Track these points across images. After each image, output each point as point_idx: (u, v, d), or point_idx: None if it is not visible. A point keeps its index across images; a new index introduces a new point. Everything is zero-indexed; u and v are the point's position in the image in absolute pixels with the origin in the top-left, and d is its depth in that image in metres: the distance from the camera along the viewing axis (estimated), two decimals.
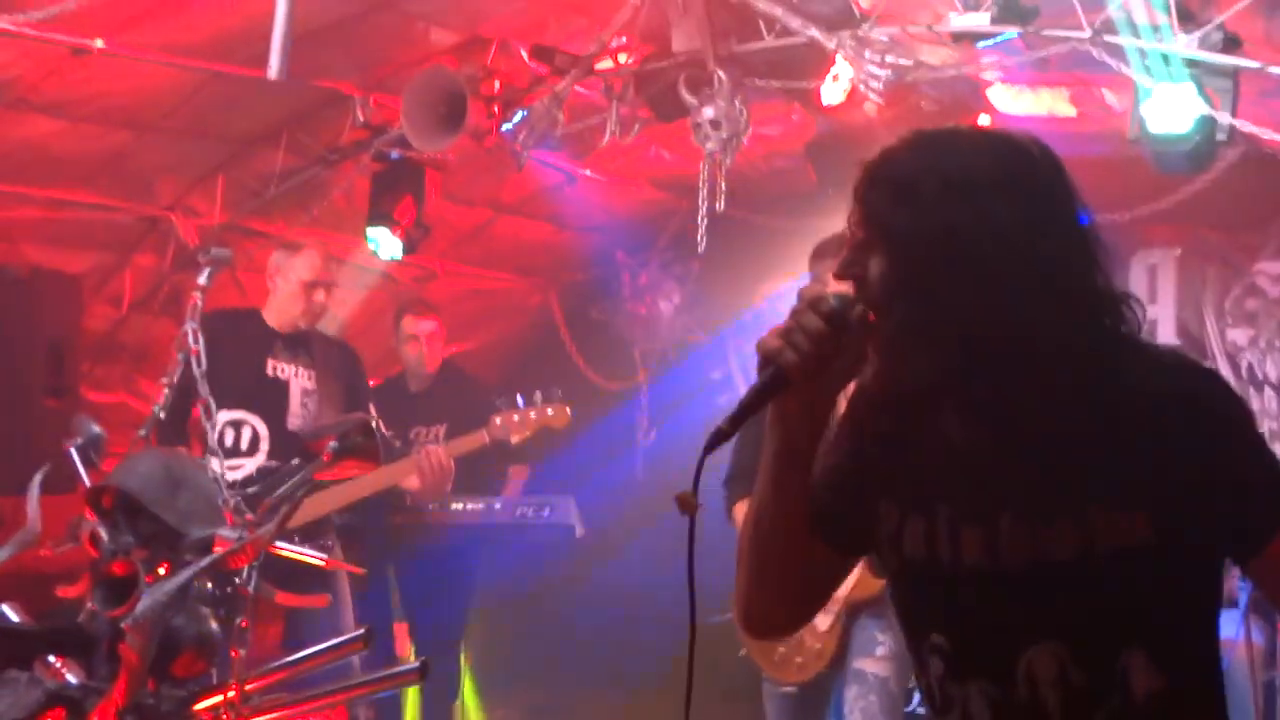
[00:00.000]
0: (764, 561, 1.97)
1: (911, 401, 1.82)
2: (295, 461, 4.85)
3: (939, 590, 1.84)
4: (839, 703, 4.36)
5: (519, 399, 5.39)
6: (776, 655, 4.52)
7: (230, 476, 4.86)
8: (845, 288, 1.84)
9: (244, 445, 5.03)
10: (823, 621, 4.37)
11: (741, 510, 4.57)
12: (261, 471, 4.92)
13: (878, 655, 4.28)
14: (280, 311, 5.21)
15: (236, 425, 5.05)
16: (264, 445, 5.03)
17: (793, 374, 1.77)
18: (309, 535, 4.86)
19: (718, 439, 1.79)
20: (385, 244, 6.31)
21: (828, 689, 4.41)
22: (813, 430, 1.87)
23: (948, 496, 1.83)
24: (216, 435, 4.97)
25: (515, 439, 5.39)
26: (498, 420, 5.35)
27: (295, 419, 5.13)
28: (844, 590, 4.29)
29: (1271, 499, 1.75)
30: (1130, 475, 1.74)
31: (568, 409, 5.43)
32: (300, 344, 5.23)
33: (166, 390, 5.02)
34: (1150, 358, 1.80)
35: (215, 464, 4.88)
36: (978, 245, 1.73)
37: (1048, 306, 1.73)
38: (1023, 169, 1.80)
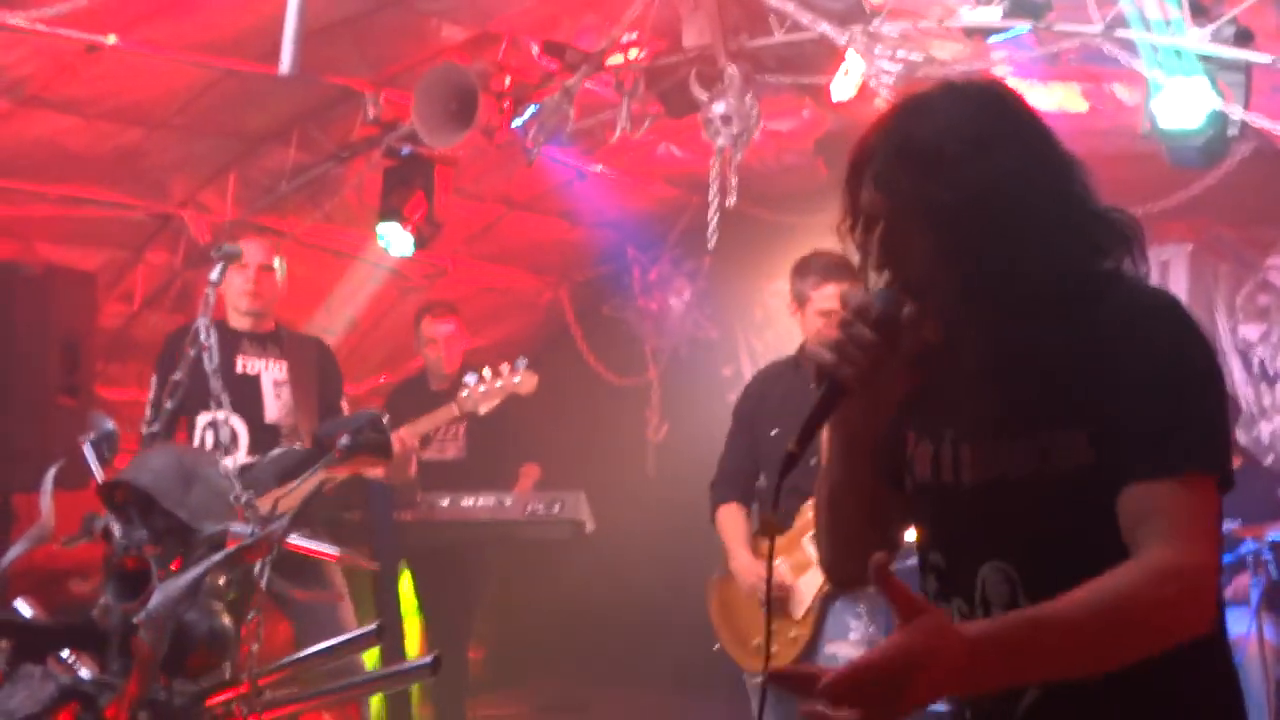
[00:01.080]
0: (848, 535, 2.00)
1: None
2: (274, 453, 4.92)
3: (936, 510, 1.91)
4: None
5: (485, 370, 5.41)
6: (750, 646, 4.68)
7: None
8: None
9: (224, 444, 5.07)
10: (797, 609, 4.55)
11: (725, 514, 4.80)
12: (243, 468, 4.94)
13: (850, 639, 4.44)
14: (234, 310, 5.21)
15: (214, 426, 5.08)
16: (242, 442, 5.06)
17: (850, 386, 1.79)
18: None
19: (791, 463, 1.79)
20: (396, 240, 6.32)
21: None
22: (876, 419, 1.90)
23: (952, 420, 1.88)
24: (199, 439, 5.05)
25: (484, 408, 5.40)
26: (464, 393, 5.38)
27: (271, 412, 5.16)
28: (817, 581, 4.50)
29: (1162, 442, 1.71)
30: (1078, 397, 1.77)
31: (535, 376, 5.43)
32: (268, 339, 5.24)
33: (154, 387, 5.11)
34: (1129, 291, 1.81)
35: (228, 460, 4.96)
36: (1010, 197, 1.77)
37: (1066, 242, 1.79)
38: (1013, 112, 1.85)
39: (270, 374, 5.19)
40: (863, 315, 1.79)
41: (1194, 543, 1.69)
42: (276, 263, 5.23)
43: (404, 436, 5.24)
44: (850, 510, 1.97)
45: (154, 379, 5.18)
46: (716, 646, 4.84)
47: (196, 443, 5.10)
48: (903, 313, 1.79)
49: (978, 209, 1.76)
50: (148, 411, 5.14)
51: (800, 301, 4.67)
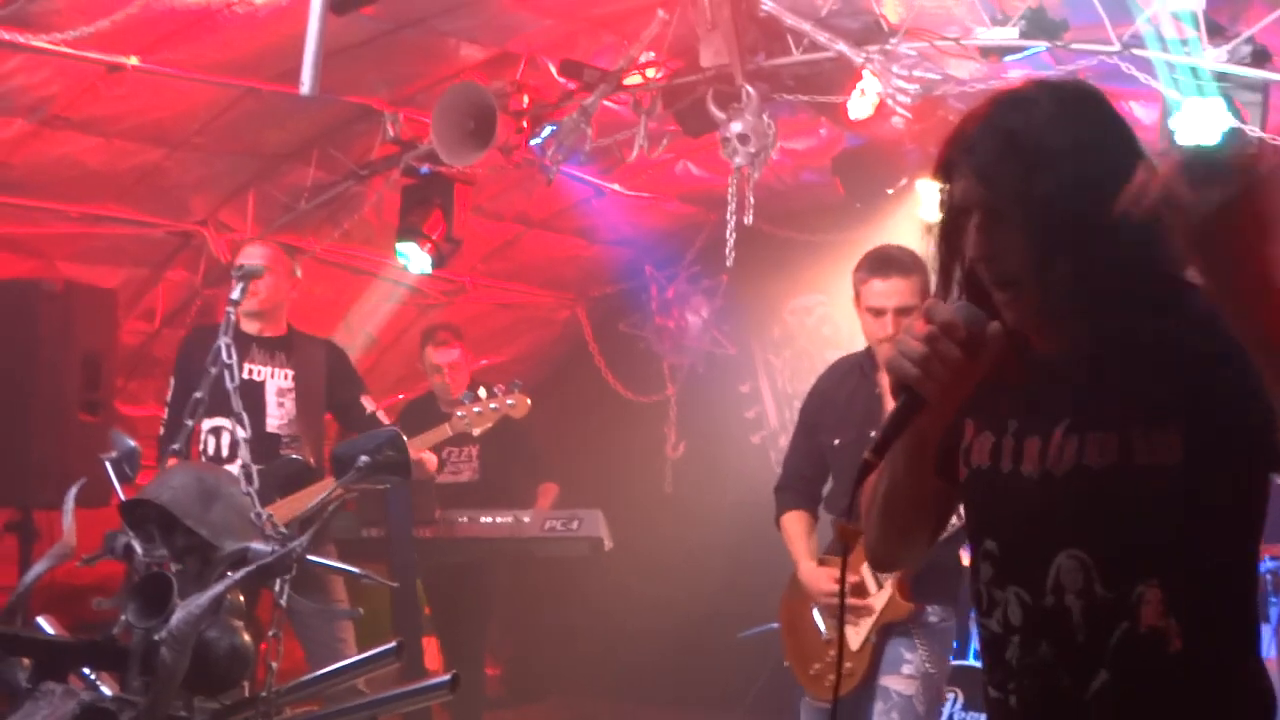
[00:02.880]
0: (900, 526, 2.08)
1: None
2: (274, 464, 4.93)
3: (994, 498, 1.95)
4: None
5: (480, 391, 5.45)
6: (812, 670, 4.50)
7: None
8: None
9: (225, 451, 5.07)
10: (854, 641, 4.36)
11: (789, 521, 4.57)
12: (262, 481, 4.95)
13: (903, 673, 4.26)
14: (243, 313, 5.24)
15: (216, 432, 5.09)
16: (242, 450, 5.06)
17: (932, 399, 1.82)
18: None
19: (866, 470, 1.85)
20: (415, 258, 6.35)
21: (862, 710, 4.34)
22: (943, 422, 1.95)
23: (1016, 413, 1.92)
24: (203, 446, 5.07)
25: (477, 430, 5.46)
26: (459, 414, 5.41)
27: (273, 419, 5.16)
28: (876, 610, 4.32)
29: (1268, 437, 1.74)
30: (1168, 396, 1.80)
31: (527, 399, 5.48)
32: (278, 345, 5.23)
33: (170, 401, 5.13)
34: (1199, 293, 1.83)
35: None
36: (1109, 195, 1.78)
37: (1155, 244, 1.78)
38: (1109, 112, 1.90)
39: (275, 382, 5.19)
40: (950, 332, 1.82)
41: None
42: (261, 261, 5.20)
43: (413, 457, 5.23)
44: (904, 504, 2.03)
45: (171, 382, 5.20)
46: (786, 663, 4.62)
47: (200, 447, 5.11)
48: (987, 330, 1.83)
49: (1078, 205, 1.80)
50: (166, 417, 5.17)
51: (857, 296, 4.43)
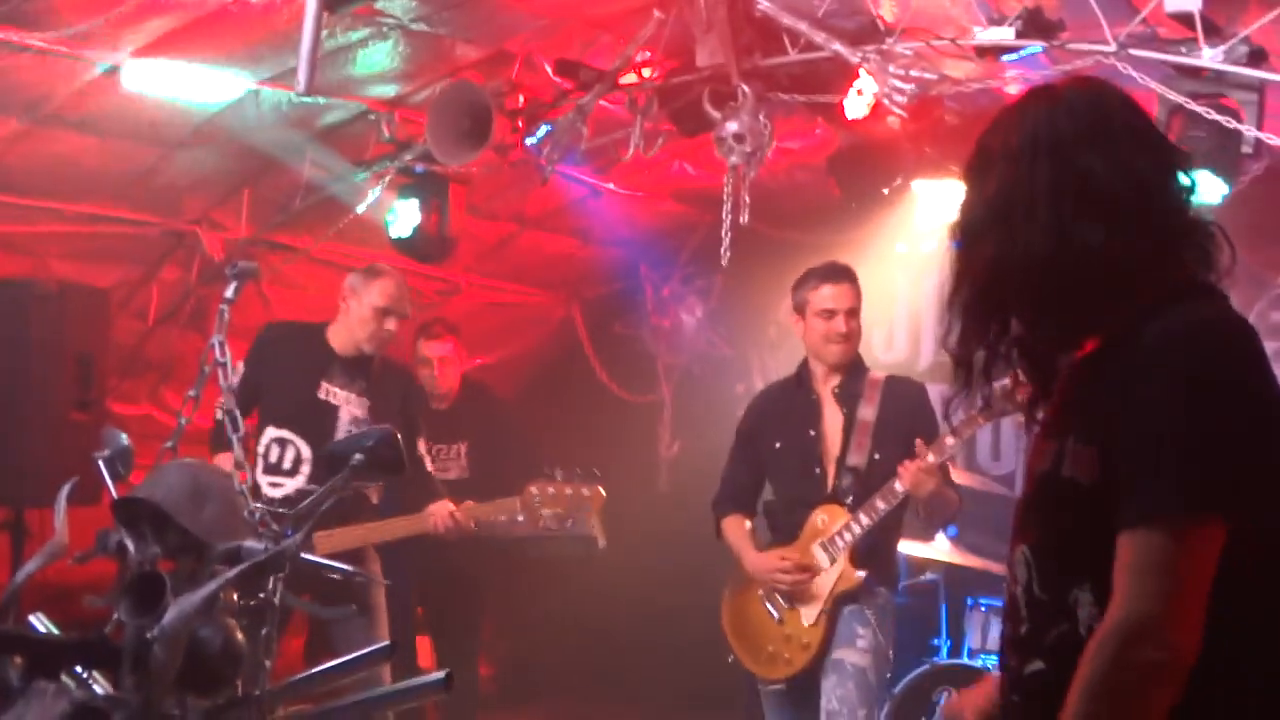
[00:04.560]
0: None
1: None
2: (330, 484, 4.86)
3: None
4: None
5: (558, 473, 5.23)
6: (764, 655, 4.76)
7: (271, 494, 4.90)
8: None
9: (287, 464, 4.99)
10: (809, 615, 4.64)
11: (729, 525, 4.92)
12: (300, 493, 4.83)
13: (858, 646, 4.55)
14: (346, 334, 5.14)
15: (282, 444, 5.02)
16: (305, 468, 4.99)
17: None
18: (350, 557, 4.86)
19: None
20: (403, 216, 6.22)
21: (817, 680, 4.62)
22: None
23: (1048, 418, 2.04)
24: (264, 451, 5.02)
25: (548, 513, 5.21)
26: (533, 490, 5.19)
27: None
28: (828, 584, 4.62)
29: (1129, 489, 1.80)
30: (1096, 413, 1.88)
31: (602, 491, 5.22)
32: (359, 369, 5.14)
33: (225, 394, 5.05)
34: (1180, 315, 1.88)
35: (262, 478, 4.94)
36: (1140, 195, 1.91)
37: (1173, 250, 1.93)
38: (1142, 115, 2.00)
39: (350, 408, 5.10)
40: None
41: (1132, 595, 1.77)
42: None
43: (460, 518, 5.11)
44: None
45: (242, 366, 4.95)
46: (731, 658, 4.90)
47: (260, 453, 5.04)
48: None
49: (1108, 204, 1.88)
50: (223, 401, 5.06)
51: (800, 311, 4.85)
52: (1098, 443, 1.84)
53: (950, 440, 4.54)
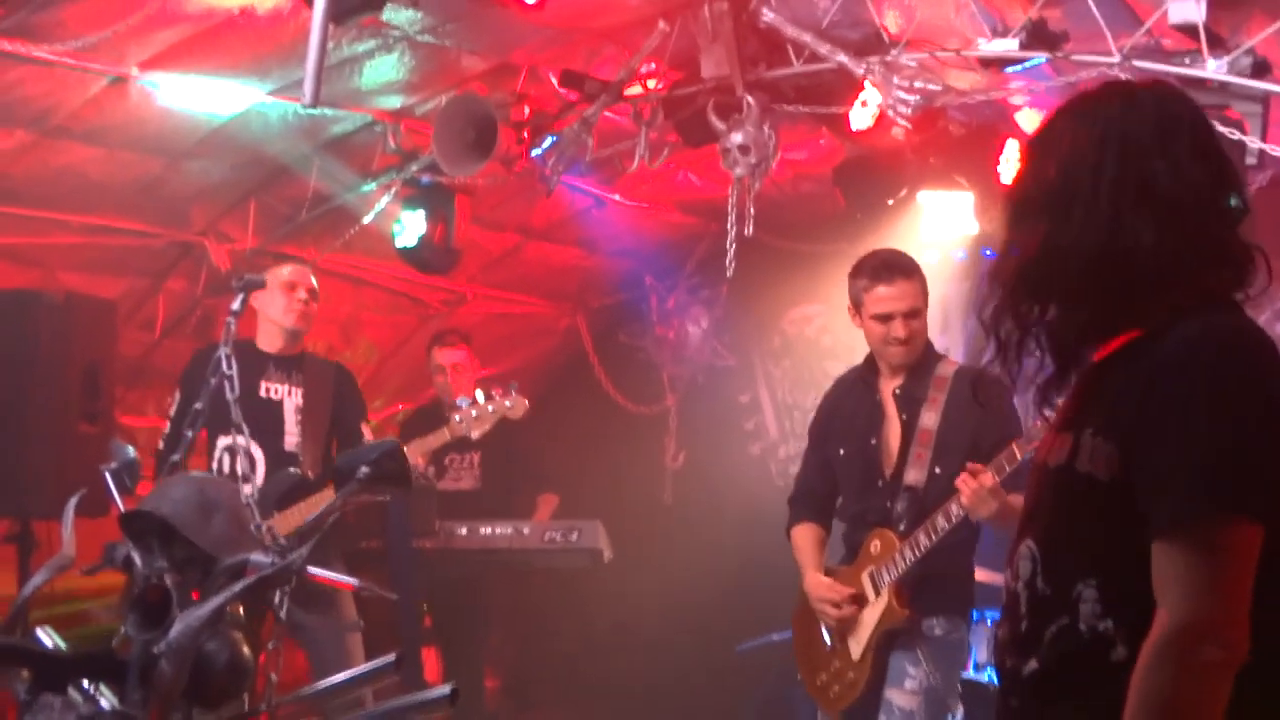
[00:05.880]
0: None
1: None
2: (272, 478, 4.90)
3: (1030, 488, 2.10)
4: None
5: (478, 394, 5.51)
6: (819, 681, 4.50)
7: None
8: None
9: (240, 470, 5.04)
10: (856, 650, 4.35)
11: (799, 534, 4.55)
12: (261, 496, 4.91)
13: (906, 688, 4.24)
14: (271, 328, 5.24)
15: (232, 451, 5.08)
16: (260, 469, 5.05)
17: None
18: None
19: None
20: (411, 227, 6.25)
21: (871, 716, 4.32)
22: None
23: (1060, 415, 2.07)
24: (216, 464, 5.05)
25: (475, 433, 5.47)
26: (456, 418, 5.44)
27: (292, 438, 5.14)
28: (873, 619, 4.31)
29: (1164, 494, 1.83)
30: (1119, 410, 1.90)
31: (525, 400, 5.54)
32: (293, 364, 5.26)
33: (173, 414, 5.12)
34: (1199, 325, 1.91)
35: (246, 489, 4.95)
36: (1193, 201, 1.98)
37: (1211, 257, 1.98)
38: (1205, 123, 2.07)
39: (293, 400, 5.19)
40: None
41: (1185, 599, 1.80)
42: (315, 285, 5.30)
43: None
44: None
45: (177, 394, 5.20)
46: (799, 676, 4.61)
47: (214, 465, 5.11)
48: None
49: (1165, 207, 1.92)
50: (167, 430, 5.16)
51: (856, 307, 4.39)
52: (1118, 440, 1.87)
53: (1017, 450, 3.91)
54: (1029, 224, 1.99)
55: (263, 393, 5.18)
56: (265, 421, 5.04)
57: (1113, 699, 1.83)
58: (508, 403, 5.49)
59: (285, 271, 5.33)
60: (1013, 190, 2.06)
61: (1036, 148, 2.05)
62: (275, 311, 5.23)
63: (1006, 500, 3.90)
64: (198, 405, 3.55)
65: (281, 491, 4.97)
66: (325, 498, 5.08)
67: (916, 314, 4.34)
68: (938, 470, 4.21)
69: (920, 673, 4.20)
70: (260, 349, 5.26)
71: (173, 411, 5.18)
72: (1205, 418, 1.81)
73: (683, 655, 7.35)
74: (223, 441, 5.09)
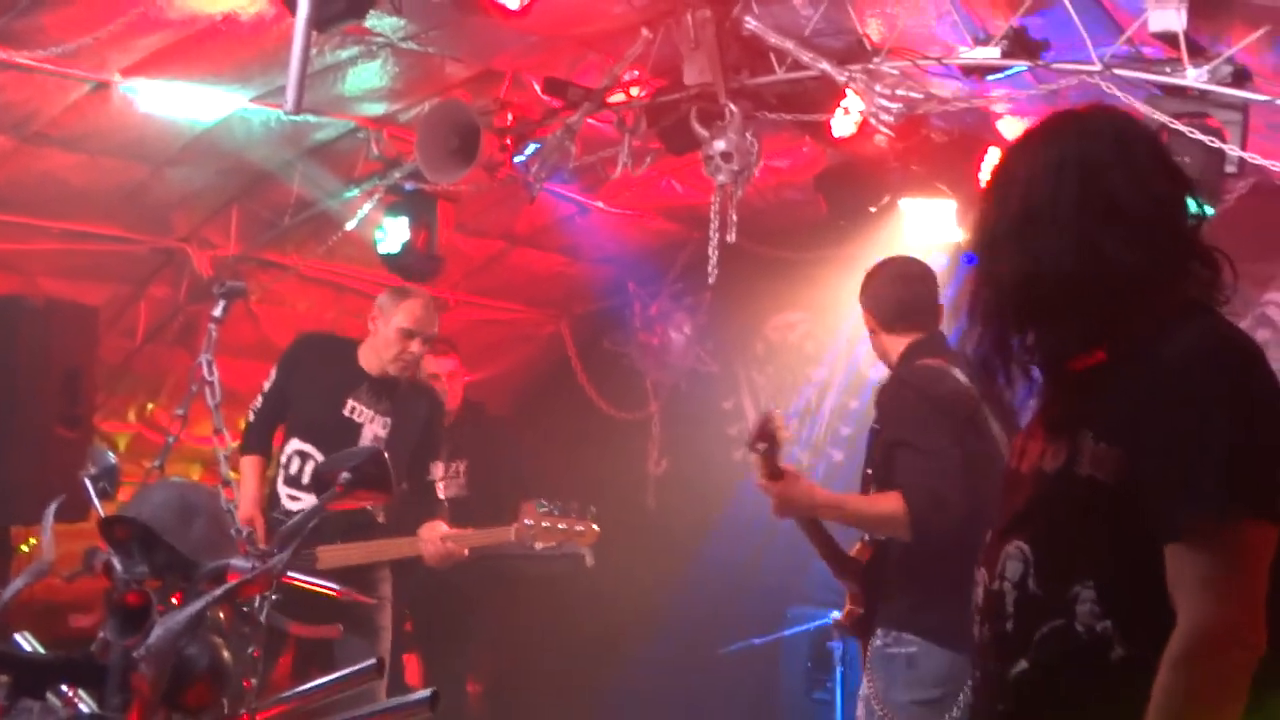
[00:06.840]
0: None
1: None
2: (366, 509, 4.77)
3: (1003, 492, 2.13)
4: None
5: (556, 508, 5.08)
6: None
7: (289, 506, 4.94)
8: None
9: (305, 479, 4.96)
10: None
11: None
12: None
13: (861, 694, 4.19)
14: (374, 354, 5.13)
15: (303, 457, 5.02)
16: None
17: None
18: (362, 576, 4.87)
19: None
20: (392, 234, 6.24)
21: None
22: None
23: (1038, 420, 2.10)
24: (285, 462, 5.03)
25: (540, 546, 5.11)
26: (528, 521, 5.06)
27: None
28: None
29: (1180, 498, 1.84)
30: (1121, 416, 1.91)
31: (595, 526, 5.11)
32: (385, 390, 5.11)
33: (259, 400, 5.12)
34: (1197, 331, 1.94)
35: (281, 489, 4.97)
36: (1166, 220, 2.01)
37: (1191, 269, 2.00)
38: (1160, 146, 2.11)
39: (373, 428, 5.08)
40: None
41: (1206, 603, 1.81)
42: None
43: (453, 549, 5.02)
44: None
45: (274, 372, 5.15)
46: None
47: (282, 464, 5.08)
48: None
49: (1131, 222, 1.95)
50: (258, 403, 5.16)
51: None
52: (1124, 444, 1.88)
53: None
54: (1003, 259, 2.01)
55: (346, 410, 5.07)
56: (340, 441, 4.79)
57: (1113, 697, 1.85)
58: (579, 527, 5.08)
59: (407, 316, 5.08)
60: (978, 227, 2.08)
61: (997, 182, 2.08)
62: (384, 348, 5.09)
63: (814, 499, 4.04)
64: (179, 410, 3.53)
65: (347, 524, 4.79)
66: (382, 547, 5.03)
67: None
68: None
69: (866, 682, 4.20)
70: (359, 363, 5.15)
71: (267, 387, 5.15)
72: (1219, 421, 1.83)
73: (665, 659, 7.35)
74: (294, 444, 5.05)
